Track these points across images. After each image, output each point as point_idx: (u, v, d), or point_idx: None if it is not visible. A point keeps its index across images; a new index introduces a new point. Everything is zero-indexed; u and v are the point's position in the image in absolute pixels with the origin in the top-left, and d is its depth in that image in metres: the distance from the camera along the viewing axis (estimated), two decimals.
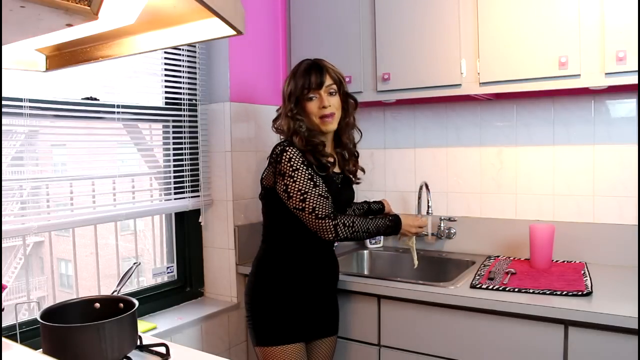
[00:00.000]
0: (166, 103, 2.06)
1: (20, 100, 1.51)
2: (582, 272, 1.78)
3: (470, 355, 1.62)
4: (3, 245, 1.45)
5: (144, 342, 1.30)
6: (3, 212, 1.50)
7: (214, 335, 2.05)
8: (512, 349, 1.55)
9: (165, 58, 2.00)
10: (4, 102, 1.46)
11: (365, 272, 2.31)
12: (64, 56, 1.08)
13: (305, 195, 1.54)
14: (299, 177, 1.54)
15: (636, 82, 1.58)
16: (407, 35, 1.97)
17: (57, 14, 0.63)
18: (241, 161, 2.16)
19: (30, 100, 1.53)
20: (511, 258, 2.04)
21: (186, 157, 2.10)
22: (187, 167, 2.09)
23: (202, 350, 1.55)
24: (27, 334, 1.52)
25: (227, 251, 2.14)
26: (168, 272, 2.06)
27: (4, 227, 1.45)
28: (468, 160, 2.22)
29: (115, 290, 1.35)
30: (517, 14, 1.75)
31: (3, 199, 1.49)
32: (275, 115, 1.72)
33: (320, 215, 1.54)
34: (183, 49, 2.05)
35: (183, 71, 2.06)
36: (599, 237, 1.94)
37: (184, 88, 2.08)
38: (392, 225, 1.68)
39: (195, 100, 2.13)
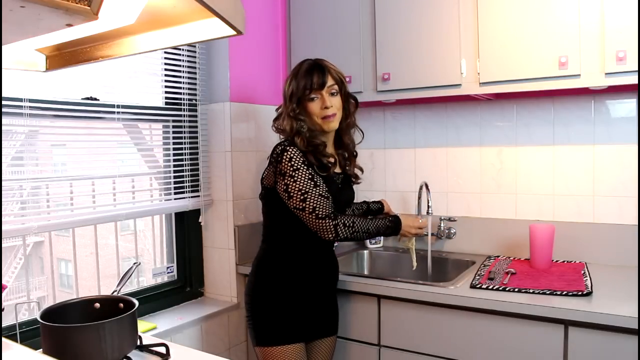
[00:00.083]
0: (166, 103, 2.06)
1: (20, 100, 1.51)
2: (582, 272, 1.78)
3: (470, 355, 1.62)
4: (3, 245, 1.45)
5: (144, 342, 1.30)
6: (3, 212, 1.50)
7: (214, 335, 2.05)
8: (512, 349, 1.55)
9: (165, 58, 2.00)
10: (4, 102, 1.45)
11: (365, 272, 2.31)
12: (64, 56, 1.08)
13: (305, 195, 1.54)
14: (299, 176, 1.54)
15: (636, 82, 1.58)
16: (407, 35, 1.97)
17: (57, 14, 0.63)
18: (241, 161, 2.16)
19: (30, 100, 1.53)
20: (511, 258, 2.04)
21: (186, 157, 2.10)
22: (187, 167, 2.09)
23: (202, 350, 1.55)
24: (27, 334, 1.52)
25: (227, 251, 2.14)
26: (168, 272, 2.06)
27: (4, 227, 1.45)
28: (468, 160, 2.22)
29: (115, 290, 1.35)
30: (517, 14, 1.75)
31: (3, 199, 1.49)
32: (275, 115, 1.72)
33: (320, 215, 1.54)
34: (183, 49, 2.05)
35: (183, 71, 2.06)
36: (599, 237, 1.94)
37: (184, 88, 2.08)
38: (392, 225, 1.68)
39: (195, 100, 2.13)
